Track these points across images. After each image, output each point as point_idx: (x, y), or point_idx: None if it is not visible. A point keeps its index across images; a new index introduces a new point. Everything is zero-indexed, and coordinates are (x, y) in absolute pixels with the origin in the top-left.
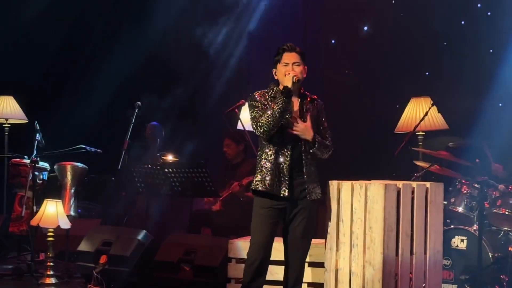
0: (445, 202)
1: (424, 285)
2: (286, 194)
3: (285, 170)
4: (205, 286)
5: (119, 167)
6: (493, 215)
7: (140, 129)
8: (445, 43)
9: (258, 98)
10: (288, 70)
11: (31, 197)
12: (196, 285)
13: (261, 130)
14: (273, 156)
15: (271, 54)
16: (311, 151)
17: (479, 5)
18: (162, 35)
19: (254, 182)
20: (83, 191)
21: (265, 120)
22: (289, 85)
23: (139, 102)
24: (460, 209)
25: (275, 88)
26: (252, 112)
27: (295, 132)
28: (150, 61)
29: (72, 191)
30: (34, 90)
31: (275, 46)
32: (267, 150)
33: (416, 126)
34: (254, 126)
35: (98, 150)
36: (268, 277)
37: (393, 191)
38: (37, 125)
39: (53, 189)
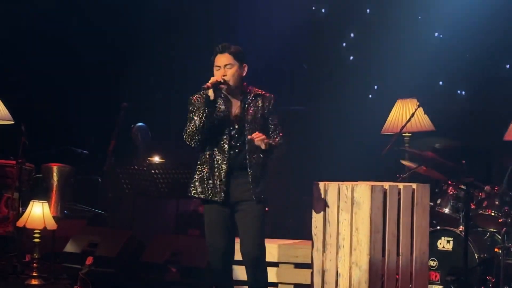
0: (431, 203)
1: (410, 286)
2: (222, 199)
3: (222, 174)
4: (191, 287)
5: (105, 168)
6: (479, 216)
7: (127, 130)
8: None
9: (193, 102)
10: (220, 73)
11: (17, 198)
12: (183, 286)
13: (188, 140)
14: (210, 160)
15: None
16: (265, 157)
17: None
18: (147, 32)
19: (191, 188)
20: (69, 192)
21: (190, 130)
22: (209, 93)
23: (125, 103)
24: (446, 210)
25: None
26: (187, 117)
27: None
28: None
29: (59, 192)
30: (19, 91)
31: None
32: (204, 154)
33: (403, 127)
34: (183, 134)
35: (84, 151)
36: None
37: (380, 192)
38: (23, 127)
39: (39, 190)
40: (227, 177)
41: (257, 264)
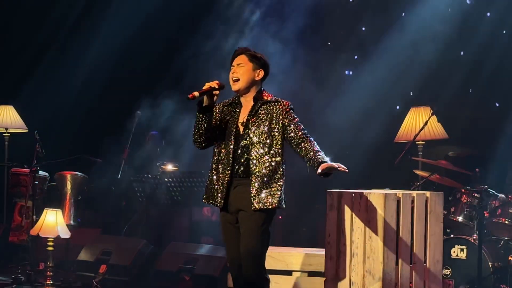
0: (445, 212)
1: None
2: (221, 205)
3: (226, 180)
4: None
5: (119, 176)
6: (493, 224)
7: (140, 138)
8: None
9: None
10: (231, 73)
11: (31, 207)
12: None
13: (193, 143)
14: (216, 166)
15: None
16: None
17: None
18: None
19: (203, 194)
20: (83, 200)
21: (193, 133)
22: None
23: (139, 112)
24: (460, 219)
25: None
26: None
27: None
28: (152, 67)
29: (72, 200)
30: (33, 99)
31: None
32: (214, 160)
33: (416, 135)
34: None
35: (98, 159)
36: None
37: (393, 201)
38: (37, 135)
39: (53, 198)
40: (229, 183)
41: (246, 274)
